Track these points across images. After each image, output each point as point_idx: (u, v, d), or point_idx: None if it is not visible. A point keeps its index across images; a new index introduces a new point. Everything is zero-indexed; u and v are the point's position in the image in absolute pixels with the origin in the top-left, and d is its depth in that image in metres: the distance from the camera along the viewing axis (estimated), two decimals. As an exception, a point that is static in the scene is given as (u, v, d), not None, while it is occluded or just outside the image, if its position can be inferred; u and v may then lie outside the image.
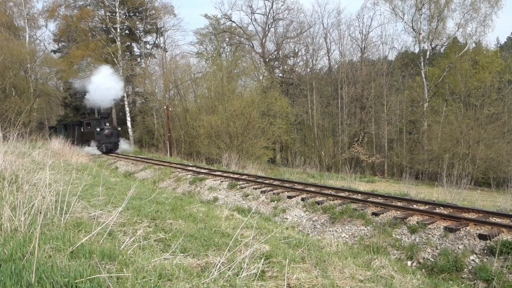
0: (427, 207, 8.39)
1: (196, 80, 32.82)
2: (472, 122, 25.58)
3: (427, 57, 31.69)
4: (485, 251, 6.16)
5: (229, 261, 3.27)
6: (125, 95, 35.16)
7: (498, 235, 6.42)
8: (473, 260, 6.08)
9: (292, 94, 35.25)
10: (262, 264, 3.43)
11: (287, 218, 9.25)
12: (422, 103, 30.72)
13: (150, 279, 2.69)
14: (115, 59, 33.87)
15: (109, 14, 34.79)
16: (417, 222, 7.39)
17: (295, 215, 9.37)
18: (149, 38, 39.16)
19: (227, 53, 40.70)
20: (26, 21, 35.65)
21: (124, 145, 29.36)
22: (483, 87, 27.48)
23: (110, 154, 25.88)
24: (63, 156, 13.92)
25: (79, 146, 26.73)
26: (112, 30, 34.58)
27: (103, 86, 27.20)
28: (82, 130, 28.37)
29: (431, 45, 32.48)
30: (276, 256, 3.88)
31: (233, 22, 38.49)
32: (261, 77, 36.58)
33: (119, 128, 28.98)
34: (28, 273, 2.42)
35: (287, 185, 11.73)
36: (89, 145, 26.44)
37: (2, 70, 28.17)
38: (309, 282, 3.45)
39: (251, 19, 40.26)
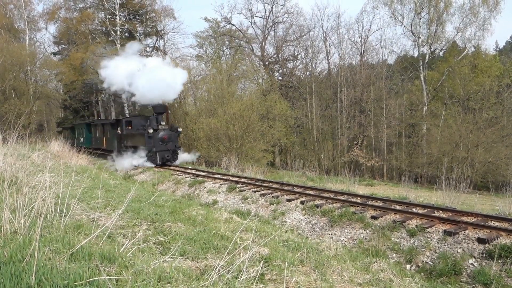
0: (426, 210, 8.40)
1: (195, 83, 32.87)
2: (471, 125, 25.64)
3: (426, 61, 31.80)
4: (484, 255, 6.16)
5: (228, 264, 3.28)
6: (125, 97, 35.17)
7: (497, 238, 6.43)
8: (471, 263, 6.08)
9: (291, 97, 35.33)
10: (261, 267, 3.43)
11: (286, 221, 9.25)
12: (421, 106, 30.79)
13: (150, 282, 2.70)
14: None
15: (109, 16, 34.88)
16: (416, 225, 7.40)
17: (294, 218, 9.37)
18: (149, 41, 39.28)
19: (227, 56, 40.80)
20: (26, 23, 35.76)
21: (184, 154, 20.52)
22: (482, 91, 27.57)
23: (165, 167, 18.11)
24: (62, 158, 13.93)
25: (115, 155, 20.54)
26: (112, 32, 34.66)
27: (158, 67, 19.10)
28: (120, 132, 20.87)
29: (430, 49, 32.60)
30: (275, 259, 3.89)
31: (233, 25, 38.65)
32: (260, 80, 36.64)
33: (180, 129, 20.15)
34: (28, 276, 2.43)
35: (286, 188, 11.73)
36: (132, 154, 19.03)
37: (2, 72, 28.19)
38: (308, 285, 3.46)
39: (250, 22, 40.48)
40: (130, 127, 20.48)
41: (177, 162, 19.08)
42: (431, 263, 6.39)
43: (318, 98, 33.96)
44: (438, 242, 6.79)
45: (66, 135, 32.19)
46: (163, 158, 18.42)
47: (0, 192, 4.31)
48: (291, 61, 38.28)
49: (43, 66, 34.11)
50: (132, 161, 18.78)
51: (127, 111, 34.85)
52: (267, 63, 37.48)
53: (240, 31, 38.60)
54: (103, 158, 22.44)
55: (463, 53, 30.52)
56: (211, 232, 4.99)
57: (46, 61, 35.22)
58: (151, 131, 18.00)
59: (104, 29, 35.84)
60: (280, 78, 38.22)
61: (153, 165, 18.22)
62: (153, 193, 9.08)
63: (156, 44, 39.31)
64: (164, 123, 18.81)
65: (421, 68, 31.03)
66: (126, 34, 36.76)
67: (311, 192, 11.02)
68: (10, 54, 28.31)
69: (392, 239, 7.25)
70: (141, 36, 37.73)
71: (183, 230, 4.90)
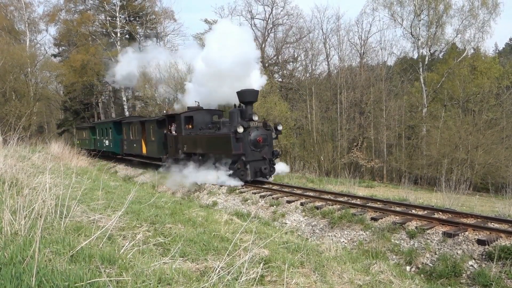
0: (426, 212, 8.40)
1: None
2: (470, 127, 25.65)
3: (426, 62, 31.83)
4: (484, 257, 6.16)
5: (228, 265, 3.28)
6: (125, 99, 35.23)
7: (497, 240, 6.43)
8: (471, 265, 6.08)
9: (291, 99, 35.36)
10: (261, 269, 3.44)
11: (286, 223, 9.25)
12: (420, 108, 30.80)
13: (150, 283, 2.71)
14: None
15: (109, 18, 34.97)
16: (416, 227, 7.40)
17: (294, 219, 9.37)
18: (149, 43, 39.31)
19: (227, 57, 40.78)
20: (26, 25, 35.83)
21: (281, 164, 14.75)
22: (481, 93, 27.58)
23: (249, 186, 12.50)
24: (62, 159, 13.93)
25: (167, 166, 15.49)
26: (113, 34, 34.74)
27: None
28: (175, 133, 15.38)
29: (429, 50, 32.63)
30: (275, 260, 3.90)
31: (233, 27, 38.66)
32: (260, 82, 36.65)
33: (280, 127, 13.63)
34: (29, 277, 2.43)
35: (286, 189, 11.74)
36: (200, 165, 13.81)
37: (3, 74, 28.25)
38: (308, 286, 3.47)
39: (250, 24, 40.38)
40: (190, 126, 14.89)
41: (271, 178, 13.32)
42: (431, 265, 6.39)
43: (318, 100, 33.96)
44: (438, 244, 6.79)
45: (80, 137, 29.42)
46: (258, 171, 12.47)
47: (0, 194, 4.32)
48: (291, 63, 38.36)
49: (43, 67, 34.17)
50: (202, 175, 13.30)
51: (127, 113, 34.87)
52: (267, 64, 37.52)
53: (240, 33, 38.64)
54: (143, 168, 17.79)
55: (463, 55, 30.55)
56: (211, 234, 4.99)
57: (47, 63, 35.29)
58: (240, 130, 11.97)
59: (104, 31, 35.91)
60: (280, 79, 38.27)
61: (240, 183, 12.40)
62: (153, 194, 9.08)
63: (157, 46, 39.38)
64: (256, 118, 12.75)
65: (421, 69, 31.05)
66: (127, 36, 36.84)
67: (311, 193, 11.02)
68: (11, 56, 28.37)
69: (392, 240, 7.25)
70: (141, 38, 37.81)
71: (183, 231, 4.90)
